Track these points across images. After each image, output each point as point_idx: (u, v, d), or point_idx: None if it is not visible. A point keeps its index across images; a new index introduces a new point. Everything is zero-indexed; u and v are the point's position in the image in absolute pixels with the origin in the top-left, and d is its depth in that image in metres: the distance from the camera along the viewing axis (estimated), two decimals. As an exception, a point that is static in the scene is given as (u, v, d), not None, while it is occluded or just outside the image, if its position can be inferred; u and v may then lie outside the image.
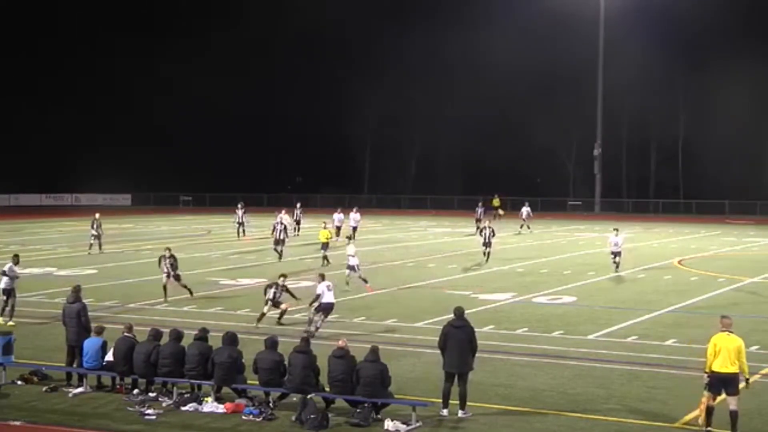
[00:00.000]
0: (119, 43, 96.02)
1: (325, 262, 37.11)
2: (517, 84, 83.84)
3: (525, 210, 58.46)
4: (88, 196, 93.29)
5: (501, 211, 65.93)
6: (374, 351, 16.06)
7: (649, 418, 15.82)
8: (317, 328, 22.23)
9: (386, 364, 15.98)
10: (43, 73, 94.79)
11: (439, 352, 16.40)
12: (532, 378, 18.71)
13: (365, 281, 29.79)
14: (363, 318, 25.31)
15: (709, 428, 14.72)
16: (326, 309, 22.50)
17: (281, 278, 24.02)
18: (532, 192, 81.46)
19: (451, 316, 16.56)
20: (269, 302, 23.69)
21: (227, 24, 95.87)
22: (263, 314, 23.69)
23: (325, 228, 39.20)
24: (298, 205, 54.21)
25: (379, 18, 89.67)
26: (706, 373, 14.88)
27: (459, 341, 16.09)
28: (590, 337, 23.03)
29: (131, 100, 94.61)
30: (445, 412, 15.93)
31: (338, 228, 49.25)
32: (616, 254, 35.81)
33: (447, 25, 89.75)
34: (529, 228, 56.66)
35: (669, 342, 22.21)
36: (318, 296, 22.54)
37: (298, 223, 52.31)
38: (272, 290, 23.76)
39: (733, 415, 14.54)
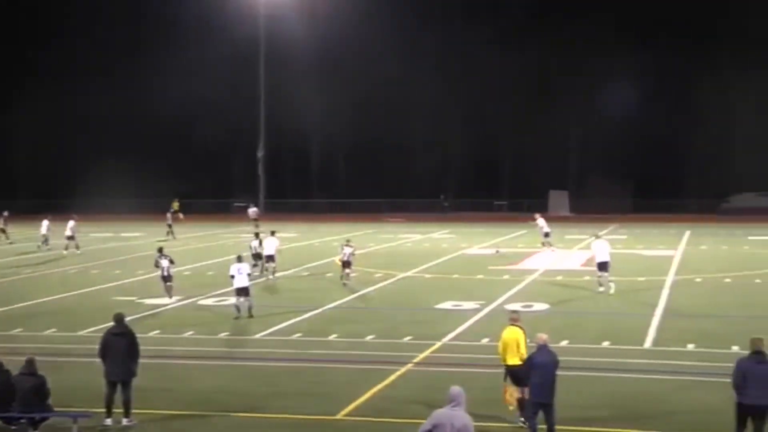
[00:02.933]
0: None
1: None
2: (185, 82, 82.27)
3: (252, 210, 62.69)
4: None
5: (181, 215, 65.01)
6: (30, 363, 15.35)
7: (313, 412, 16.37)
8: None
9: (45, 376, 15.33)
10: None
11: (100, 360, 16.01)
12: (199, 380, 18.72)
13: None
14: (20, 329, 24.11)
15: (521, 418, 15.08)
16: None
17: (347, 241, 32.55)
18: (200, 194, 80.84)
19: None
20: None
21: None
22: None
23: None
24: (5, 213, 52.73)
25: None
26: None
27: (120, 348, 15.84)
28: (257, 336, 23.41)
29: None
30: (108, 421, 15.61)
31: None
32: (269, 258, 33.78)
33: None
34: (258, 227, 55.48)
35: (331, 337, 23.06)
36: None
37: (3, 231, 51.86)
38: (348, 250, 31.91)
39: (520, 401, 15.07)
